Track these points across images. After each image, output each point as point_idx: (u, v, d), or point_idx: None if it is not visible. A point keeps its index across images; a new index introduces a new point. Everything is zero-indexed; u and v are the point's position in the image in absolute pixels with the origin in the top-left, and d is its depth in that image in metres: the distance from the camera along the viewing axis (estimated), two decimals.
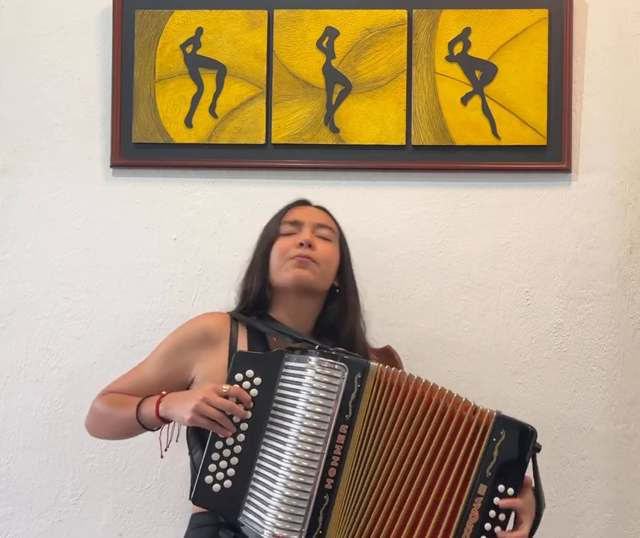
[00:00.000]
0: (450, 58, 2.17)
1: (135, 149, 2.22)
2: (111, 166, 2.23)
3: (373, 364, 1.52)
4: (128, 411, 1.65)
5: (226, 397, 1.50)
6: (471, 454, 1.50)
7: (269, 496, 1.46)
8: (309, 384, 1.48)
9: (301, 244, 1.72)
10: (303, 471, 1.46)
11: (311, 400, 1.47)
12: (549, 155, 2.14)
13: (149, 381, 1.71)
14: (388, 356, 2.03)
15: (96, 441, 2.13)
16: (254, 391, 1.52)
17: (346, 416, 1.48)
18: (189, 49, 2.22)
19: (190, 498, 1.53)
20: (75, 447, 2.18)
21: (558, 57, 2.14)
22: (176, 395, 1.61)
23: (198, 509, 1.67)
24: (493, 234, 2.18)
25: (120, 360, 2.18)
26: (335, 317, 1.77)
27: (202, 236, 2.22)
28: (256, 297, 1.75)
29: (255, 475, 1.50)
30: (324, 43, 2.19)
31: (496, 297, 2.17)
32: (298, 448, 1.46)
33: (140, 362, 1.78)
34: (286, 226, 1.78)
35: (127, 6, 2.22)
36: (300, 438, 1.46)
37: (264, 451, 1.51)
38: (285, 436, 1.48)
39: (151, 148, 2.22)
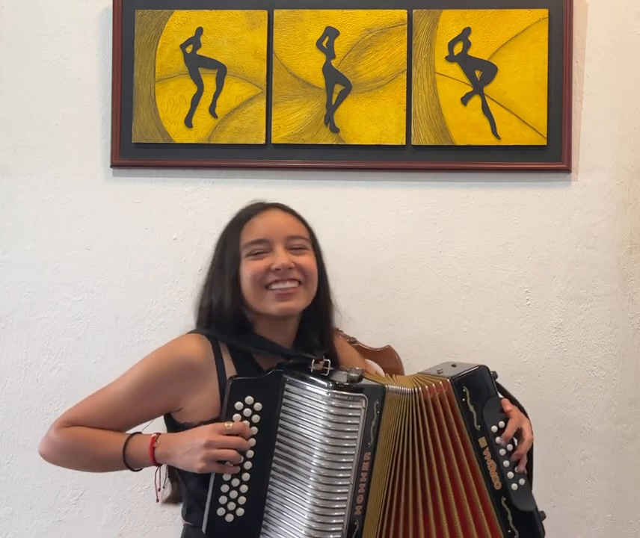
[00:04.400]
0: (450, 58, 2.17)
1: (135, 149, 2.22)
2: (111, 166, 2.23)
3: (389, 387, 1.48)
4: (110, 449, 1.54)
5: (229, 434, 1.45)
6: (455, 426, 1.54)
7: (298, 529, 1.44)
8: (325, 418, 1.43)
9: (277, 270, 1.55)
10: (330, 506, 1.43)
11: (330, 434, 1.42)
12: (549, 155, 2.14)
13: (125, 414, 1.56)
14: (388, 356, 2.04)
15: None
16: (256, 417, 1.48)
17: (368, 444, 1.45)
18: (189, 49, 2.22)
19: (203, 531, 1.49)
20: None
21: (558, 57, 2.14)
22: (173, 441, 1.51)
23: (188, 523, 1.62)
24: (493, 234, 2.18)
25: (120, 360, 2.18)
26: (317, 322, 1.68)
27: (202, 236, 2.21)
28: (234, 321, 1.59)
29: (269, 501, 1.49)
30: (324, 43, 2.19)
31: (496, 297, 2.17)
32: (322, 483, 1.42)
33: (106, 387, 1.60)
34: (251, 246, 1.58)
35: (127, 6, 2.22)
36: (323, 473, 1.43)
37: (275, 476, 1.49)
38: (306, 468, 1.44)
39: (151, 148, 2.22)
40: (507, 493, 1.55)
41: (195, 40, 2.21)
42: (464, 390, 1.55)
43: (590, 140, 2.16)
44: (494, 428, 1.56)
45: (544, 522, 1.62)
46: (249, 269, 1.57)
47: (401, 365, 2.03)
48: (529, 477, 1.60)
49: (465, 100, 2.16)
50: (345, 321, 1.93)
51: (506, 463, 1.56)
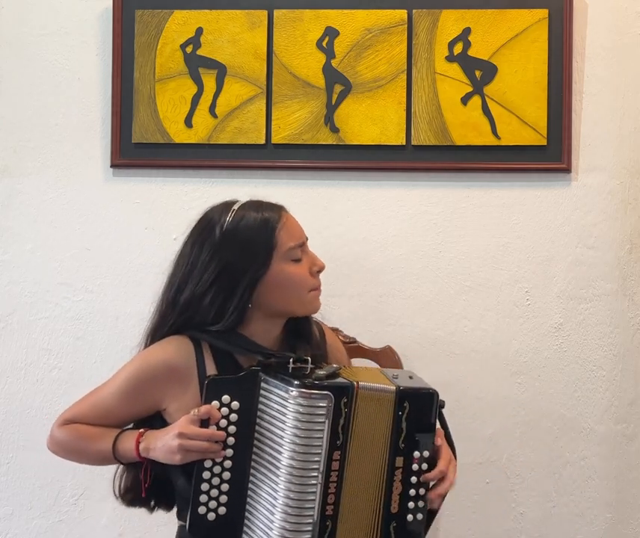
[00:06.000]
0: (450, 58, 2.16)
1: (135, 149, 2.22)
2: (111, 166, 2.23)
3: (357, 383, 1.47)
4: (103, 445, 1.58)
5: (200, 420, 1.47)
6: (384, 433, 1.51)
7: (270, 529, 1.45)
8: (294, 417, 1.43)
9: (318, 272, 1.62)
10: (302, 506, 1.44)
11: (299, 433, 1.43)
12: (549, 155, 2.14)
13: (115, 415, 1.61)
14: (388, 356, 2.04)
15: None
16: (234, 416, 1.48)
17: (337, 442, 1.45)
18: (189, 49, 2.22)
19: (187, 529, 1.51)
20: None
21: (558, 57, 2.14)
22: (155, 435, 1.53)
23: (182, 523, 1.63)
24: (493, 234, 2.18)
25: (120, 360, 2.17)
26: (299, 320, 1.68)
27: None
28: (235, 320, 1.57)
29: (249, 499, 1.50)
30: (324, 43, 2.19)
31: (496, 297, 2.17)
32: (293, 483, 1.43)
33: (99, 388, 1.65)
34: (296, 250, 1.59)
35: (127, 6, 2.22)
36: (294, 472, 1.43)
37: (254, 475, 1.50)
38: (277, 467, 1.45)
39: (151, 148, 2.22)
40: (400, 520, 1.51)
41: (195, 40, 2.21)
42: (405, 404, 1.50)
43: (590, 140, 2.16)
44: (417, 453, 1.51)
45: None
46: (293, 274, 1.58)
47: (401, 365, 2.04)
48: (431, 516, 1.57)
49: (465, 100, 2.16)
50: (345, 322, 1.94)
51: (412, 492, 1.52)
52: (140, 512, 2.18)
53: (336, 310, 2.15)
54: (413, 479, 1.52)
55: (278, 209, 1.62)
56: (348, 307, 2.18)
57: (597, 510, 2.14)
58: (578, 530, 2.14)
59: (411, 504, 1.52)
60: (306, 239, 1.64)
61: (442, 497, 1.55)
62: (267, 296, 1.58)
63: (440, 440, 1.56)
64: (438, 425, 1.58)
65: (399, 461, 1.50)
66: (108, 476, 2.18)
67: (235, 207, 1.60)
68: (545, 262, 2.17)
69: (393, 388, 1.50)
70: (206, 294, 1.56)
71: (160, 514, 2.19)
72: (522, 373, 2.16)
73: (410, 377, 1.59)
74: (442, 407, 1.58)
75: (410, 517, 1.52)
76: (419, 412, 1.51)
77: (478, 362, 2.17)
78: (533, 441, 2.15)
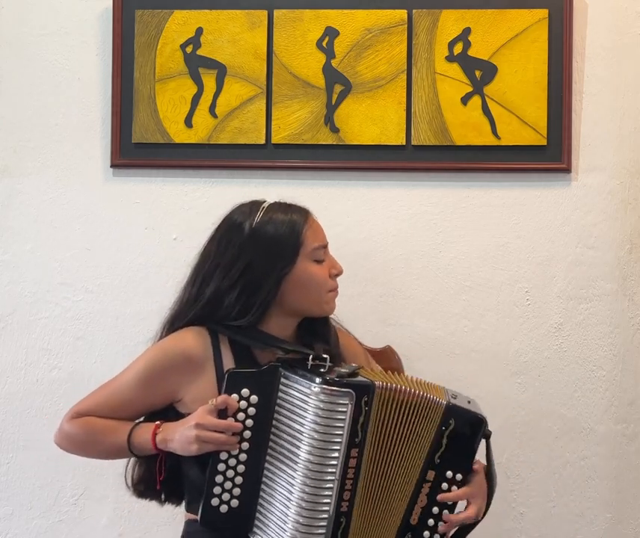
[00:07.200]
0: (450, 58, 2.17)
1: (135, 149, 2.22)
2: (111, 166, 2.23)
3: (377, 383, 1.49)
4: (118, 438, 1.58)
5: (218, 412, 1.48)
6: (422, 442, 1.52)
7: (284, 522, 1.46)
8: (314, 413, 1.45)
9: (336, 275, 1.68)
10: (317, 501, 1.45)
11: (319, 428, 1.45)
12: (549, 155, 2.14)
13: (131, 406, 1.61)
14: (388, 356, 2.04)
15: None
16: (252, 410, 1.50)
17: (356, 440, 1.46)
18: (189, 49, 2.22)
19: (199, 520, 1.52)
20: None
21: (558, 57, 2.14)
22: (172, 427, 1.54)
23: (191, 516, 1.63)
24: (493, 234, 2.18)
25: (120, 360, 2.17)
26: (314, 320, 1.71)
27: (203, 236, 2.21)
28: (258, 317, 1.61)
29: (262, 493, 1.51)
30: (324, 43, 2.19)
31: (496, 297, 2.17)
32: (309, 478, 1.45)
33: (113, 379, 1.65)
34: (320, 251, 1.64)
35: (127, 6, 2.22)
36: (311, 467, 1.45)
37: (268, 470, 1.51)
38: (294, 462, 1.47)
39: (151, 148, 2.22)
40: (417, 533, 1.52)
41: (195, 40, 2.21)
42: (450, 421, 1.52)
43: (590, 140, 2.16)
44: (449, 473, 1.52)
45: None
46: (316, 274, 1.63)
47: (401, 365, 2.03)
48: None
49: (465, 100, 2.16)
50: (345, 322, 1.94)
51: (435, 510, 1.52)
52: (139, 512, 2.20)
53: (336, 310, 2.14)
54: (439, 497, 1.52)
55: (305, 212, 1.67)
56: (348, 307, 2.17)
57: (597, 510, 2.14)
58: (578, 530, 2.14)
59: (431, 522, 1.53)
60: (327, 243, 1.68)
61: (457, 528, 1.55)
62: (288, 294, 1.61)
63: (479, 470, 1.56)
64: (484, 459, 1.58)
65: (430, 475, 1.52)
66: (107, 476, 2.19)
67: (265, 205, 1.65)
68: (545, 262, 2.17)
69: (444, 401, 1.52)
70: (232, 289, 1.59)
71: (160, 514, 2.20)
72: (522, 373, 2.16)
73: (469, 402, 1.60)
74: (489, 437, 1.58)
75: (426, 534, 1.53)
76: (462, 434, 1.52)
77: (478, 362, 2.17)
78: (533, 441, 2.15)
